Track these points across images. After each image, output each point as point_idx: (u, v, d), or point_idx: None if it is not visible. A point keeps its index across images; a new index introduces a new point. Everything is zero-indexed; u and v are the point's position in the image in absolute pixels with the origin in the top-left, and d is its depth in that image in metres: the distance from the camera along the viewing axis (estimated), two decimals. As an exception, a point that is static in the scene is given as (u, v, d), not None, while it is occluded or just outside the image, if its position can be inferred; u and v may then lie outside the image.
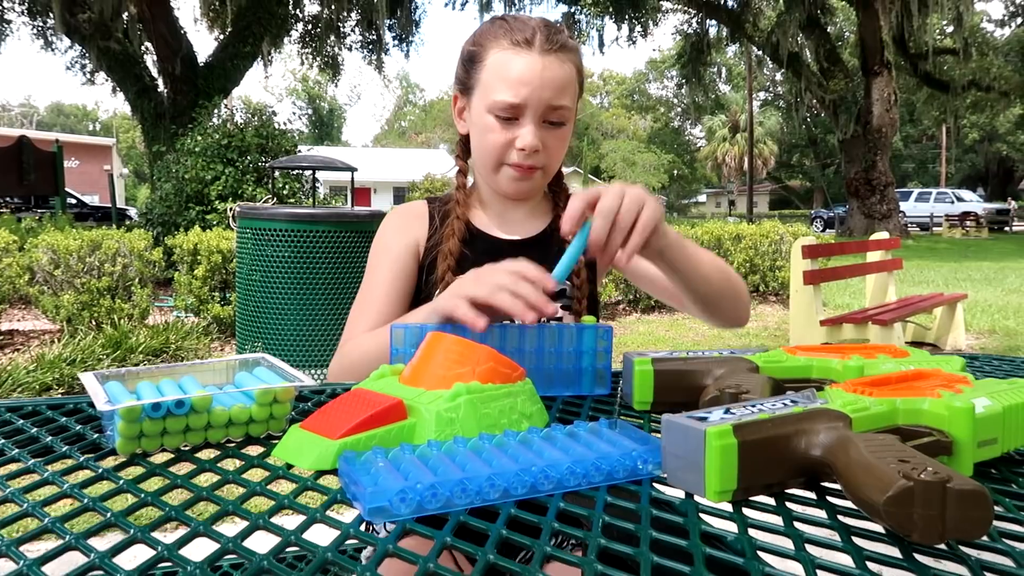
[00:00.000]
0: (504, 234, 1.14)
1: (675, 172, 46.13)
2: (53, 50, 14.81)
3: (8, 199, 13.37)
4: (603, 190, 0.81)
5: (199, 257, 5.03)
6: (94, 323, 4.77)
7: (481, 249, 1.11)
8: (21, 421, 0.71)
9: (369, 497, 0.47)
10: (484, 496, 0.50)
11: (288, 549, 0.46)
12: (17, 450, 0.62)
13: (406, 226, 1.15)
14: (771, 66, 24.36)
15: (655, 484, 0.55)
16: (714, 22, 19.18)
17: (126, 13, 13.36)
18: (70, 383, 3.76)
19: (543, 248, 1.12)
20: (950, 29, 21.46)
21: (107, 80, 14.08)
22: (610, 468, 0.54)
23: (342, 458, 0.53)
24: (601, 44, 19.81)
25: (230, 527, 0.49)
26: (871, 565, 0.43)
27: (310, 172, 7.33)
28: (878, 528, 0.47)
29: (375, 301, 1.08)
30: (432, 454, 0.54)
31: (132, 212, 17.83)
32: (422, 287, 1.12)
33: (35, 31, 14.43)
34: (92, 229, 5.80)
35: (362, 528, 0.49)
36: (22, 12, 14.20)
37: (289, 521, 0.50)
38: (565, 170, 1.33)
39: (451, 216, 1.12)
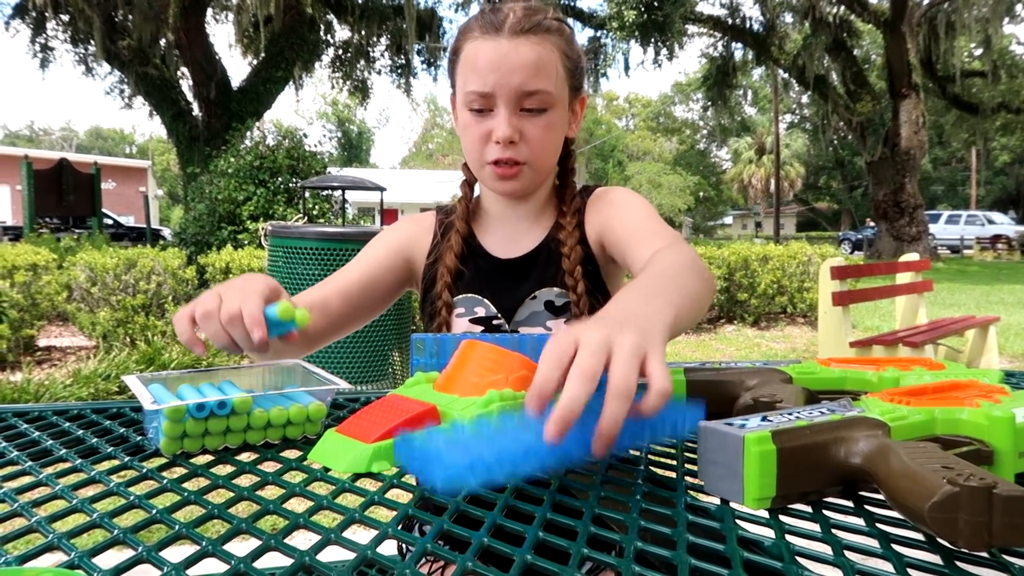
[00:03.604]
0: (502, 251, 1.08)
1: (701, 194, 45.92)
2: (93, 76, 15.30)
3: (48, 219, 13.78)
4: (571, 342, 0.54)
5: (231, 275, 5.11)
6: (129, 340, 4.86)
7: (478, 267, 1.07)
8: (67, 424, 0.73)
9: (441, 470, 0.48)
10: (545, 462, 0.52)
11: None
12: (65, 450, 0.64)
13: (404, 234, 1.12)
14: (797, 88, 24.22)
15: (691, 492, 0.55)
16: (740, 45, 19.15)
17: (164, 40, 13.80)
18: (105, 398, 3.83)
19: (540, 262, 1.06)
20: (978, 52, 21.19)
21: (144, 104, 14.51)
22: (653, 427, 0.57)
23: (400, 440, 0.55)
24: (627, 67, 19.92)
25: (271, 526, 0.50)
26: (912, 572, 0.42)
27: (340, 192, 7.45)
28: (919, 536, 0.47)
29: (332, 284, 1.05)
30: (486, 431, 0.55)
31: (166, 232, 18.20)
32: (425, 302, 1.09)
33: (77, 58, 14.93)
34: (128, 248, 5.93)
35: (399, 528, 0.49)
36: (65, 40, 14.71)
37: (328, 521, 0.51)
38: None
39: (451, 230, 1.08)
